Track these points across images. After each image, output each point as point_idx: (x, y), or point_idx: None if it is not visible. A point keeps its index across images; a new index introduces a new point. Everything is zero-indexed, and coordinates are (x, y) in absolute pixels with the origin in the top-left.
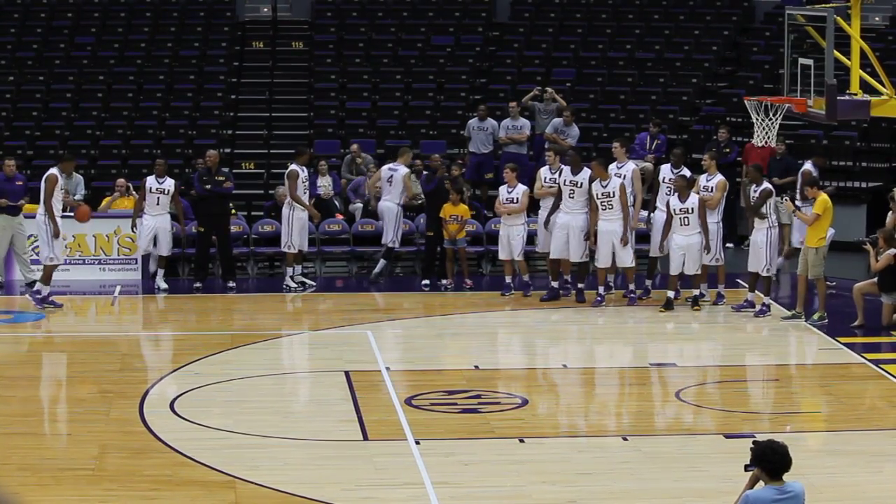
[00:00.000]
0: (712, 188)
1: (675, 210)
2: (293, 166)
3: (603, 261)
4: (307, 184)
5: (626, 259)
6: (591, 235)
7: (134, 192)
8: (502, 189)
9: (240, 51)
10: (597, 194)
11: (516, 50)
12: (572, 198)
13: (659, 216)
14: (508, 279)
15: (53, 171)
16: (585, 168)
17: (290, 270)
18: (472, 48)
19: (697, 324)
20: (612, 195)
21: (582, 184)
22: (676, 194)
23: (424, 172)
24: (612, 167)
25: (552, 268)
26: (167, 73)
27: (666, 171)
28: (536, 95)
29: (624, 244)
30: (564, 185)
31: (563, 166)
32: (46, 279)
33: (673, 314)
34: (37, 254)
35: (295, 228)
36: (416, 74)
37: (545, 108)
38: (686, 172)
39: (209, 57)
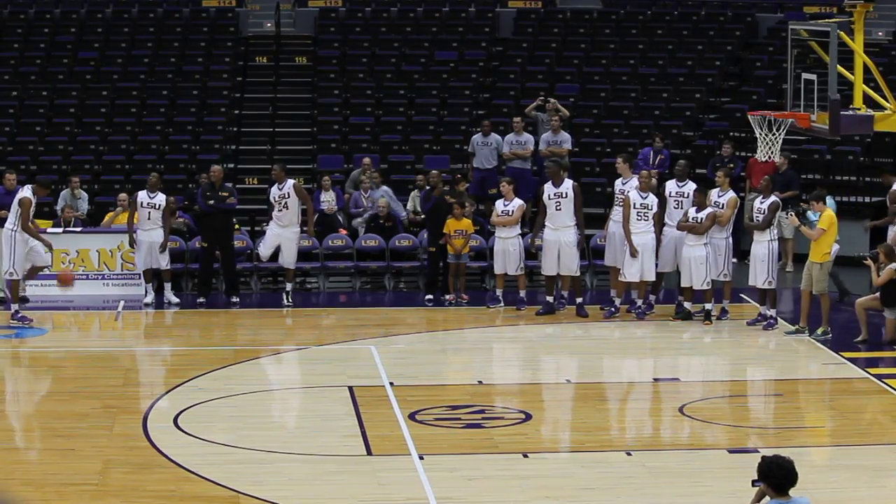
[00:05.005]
0: (723, 205)
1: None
2: (27, 194)
3: (632, 273)
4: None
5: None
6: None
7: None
8: (499, 203)
9: (243, 66)
10: (635, 203)
11: (519, 65)
12: (559, 210)
13: (668, 231)
14: (499, 292)
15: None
16: (568, 179)
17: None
18: (475, 63)
19: (702, 338)
20: (650, 207)
21: (567, 194)
22: (695, 206)
23: (426, 188)
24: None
25: (548, 283)
26: (171, 89)
27: (671, 186)
28: (540, 105)
29: (634, 256)
30: (549, 199)
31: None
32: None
33: (678, 328)
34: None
35: (18, 254)
36: (419, 90)
37: (548, 118)
38: (692, 185)
39: (213, 72)
